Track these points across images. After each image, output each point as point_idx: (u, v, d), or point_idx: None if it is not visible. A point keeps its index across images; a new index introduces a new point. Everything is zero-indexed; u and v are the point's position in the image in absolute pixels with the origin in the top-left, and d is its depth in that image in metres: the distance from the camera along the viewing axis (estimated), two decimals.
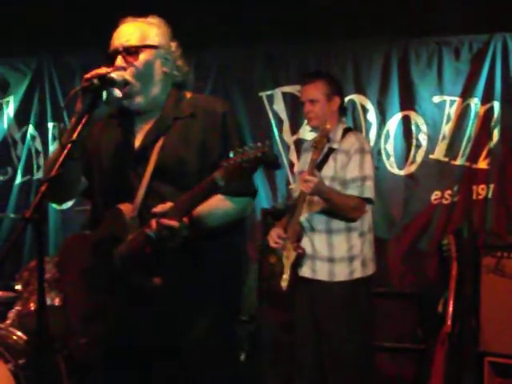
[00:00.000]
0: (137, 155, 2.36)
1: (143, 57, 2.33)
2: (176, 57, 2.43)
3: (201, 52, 5.07)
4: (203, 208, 2.22)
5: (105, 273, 2.27)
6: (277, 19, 4.97)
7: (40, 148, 5.66)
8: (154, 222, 2.14)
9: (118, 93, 2.26)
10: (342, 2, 4.85)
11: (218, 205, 2.28)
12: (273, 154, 2.01)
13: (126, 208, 2.27)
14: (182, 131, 2.35)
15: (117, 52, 2.33)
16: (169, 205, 2.16)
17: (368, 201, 3.53)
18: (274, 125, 5.23)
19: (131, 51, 2.32)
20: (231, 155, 2.05)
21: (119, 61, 2.31)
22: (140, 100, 2.35)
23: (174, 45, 2.44)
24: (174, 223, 2.12)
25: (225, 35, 5.03)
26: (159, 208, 2.17)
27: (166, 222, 2.12)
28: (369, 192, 3.50)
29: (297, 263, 3.53)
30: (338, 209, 3.47)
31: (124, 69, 2.30)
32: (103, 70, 2.22)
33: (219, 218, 2.31)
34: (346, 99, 4.84)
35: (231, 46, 5.17)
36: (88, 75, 2.21)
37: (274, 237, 3.57)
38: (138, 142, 2.38)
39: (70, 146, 2.08)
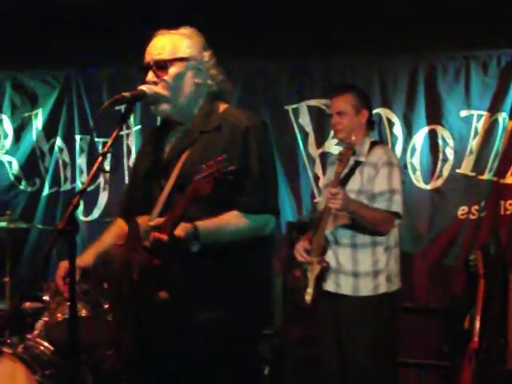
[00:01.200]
0: (161, 167, 2.41)
1: (173, 70, 2.37)
2: (209, 66, 2.44)
3: (227, 65, 5.10)
4: (211, 222, 2.24)
5: (127, 284, 2.31)
6: (302, 33, 5.02)
7: (67, 160, 5.75)
8: (151, 235, 2.17)
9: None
10: (367, 17, 4.88)
11: (229, 220, 2.29)
12: (227, 170, 2.04)
13: (142, 220, 2.30)
14: (205, 144, 2.36)
15: (148, 66, 2.38)
16: (164, 218, 2.18)
17: (396, 215, 3.51)
18: (299, 138, 5.26)
19: (161, 65, 2.36)
20: (202, 168, 2.10)
21: (150, 76, 2.37)
22: (166, 107, 2.39)
23: (207, 54, 2.44)
24: (162, 236, 2.12)
25: (251, 49, 5.08)
26: (155, 221, 2.21)
27: (155, 235, 2.14)
28: (397, 206, 3.47)
29: (321, 277, 3.52)
30: (366, 223, 3.45)
31: (155, 83, 2.36)
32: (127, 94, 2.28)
33: (229, 234, 2.29)
34: (373, 113, 4.85)
35: (257, 60, 5.22)
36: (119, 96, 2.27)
37: (300, 250, 3.57)
38: (165, 155, 2.44)
39: (100, 158, 2.13)
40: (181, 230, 2.16)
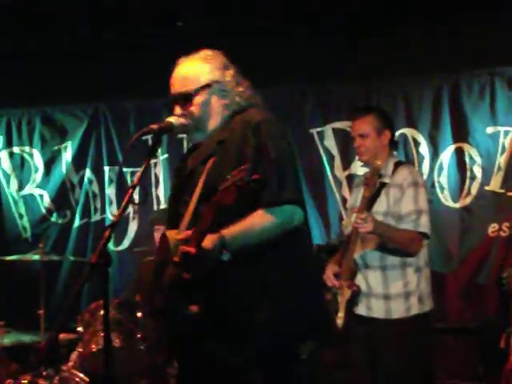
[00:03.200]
0: (184, 182, 2.44)
1: (198, 100, 2.39)
2: (234, 85, 2.42)
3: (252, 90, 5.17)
4: (236, 228, 2.20)
5: (160, 298, 2.33)
6: (327, 57, 5.07)
7: (97, 191, 5.84)
8: (179, 249, 2.16)
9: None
10: (392, 39, 4.93)
11: (253, 221, 2.23)
12: (250, 179, 2.01)
13: (171, 234, 2.29)
14: (224, 151, 2.35)
15: (174, 99, 2.42)
16: (191, 231, 2.16)
17: (424, 235, 3.48)
18: (325, 161, 5.28)
19: (186, 97, 2.39)
20: (226, 178, 2.06)
21: (177, 110, 2.40)
22: (198, 136, 2.43)
23: (229, 74, 2.44)
24: (189, 249, 2.10)
25: (276, 73, 5.12)
26: (183, 234, 2.19)
27: (183, 248, 2.12)
28: (424, 226, 3.46)
29: (352, 301, 3.50)
30: (395, 244, 3.44)
31: (183, 115, 2.39)
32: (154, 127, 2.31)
33: (257, 235, 2.23)
34: (397, 133, 4.84)
35: (282, 84, 5.26)
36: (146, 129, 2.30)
37: (330, 276, 3.55)
38: (187, 169, 2.47)
39: (130, 191, 2.16)
40: (208, 241, 2.13)
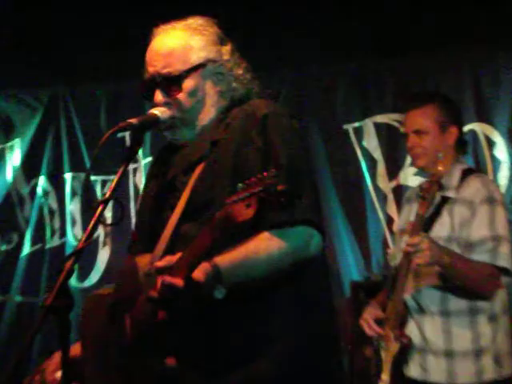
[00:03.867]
0: (165, 192, 2.44)
1: (188, 84, 2.40)
2: (232, 65, 2.45)
3: (264, 76, 5.18)
4: (234, 255, 2.19)
5: (115, 350, 2.31)
6: (366, 31, 5.08)
7: (54, 206, 5.84)
8: (158, 280, 2.14)
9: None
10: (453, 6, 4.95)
11: (256, 248, 2.22)
12: (274, 188, 2.00)
13: (143, 260, 2.32)
14: (219, 156, 2.37)
15: (153, 82, 2.41)
16: (177, 256, 2.15)
17: (504, 271, 3.45)
18: (364, 167, 5.29)
19: (172, 81, 2.39)
20: (239, 186, 2.06)
21: (159, 97, 2.40)
22: (186, 133, 2.44)
23: (226, 50, 2.47)
24: (176, 281, 2.08)
25: (296, 52, 5.15)
26: (164, 261, 2.18)
27: (167, 279, 2.10)
28: (504, 258, 3.44)
29: (401, 358, 3.50)
30: (461, 281, 3.42)
31: (167, 104, 2.39)
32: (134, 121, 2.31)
33: (261, 266, 2.24)
34: (465, 129, 4.83)
35: (305, 65, 5.29)
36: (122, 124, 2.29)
37: (370, 321, 3.56)
38: (169, 176, 2.47)
39: (101, 207, 2.15)
40: (199, 271, 2.11)
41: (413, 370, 3.52)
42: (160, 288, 2.12)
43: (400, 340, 3.49)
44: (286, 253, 2.24)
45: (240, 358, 2.25)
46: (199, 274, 2.11)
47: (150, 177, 2.63)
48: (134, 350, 2.24)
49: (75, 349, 2.49)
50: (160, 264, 2.17)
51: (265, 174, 2.02)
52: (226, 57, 2.45)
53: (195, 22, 2.47)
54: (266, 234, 2.22)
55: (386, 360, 3.49)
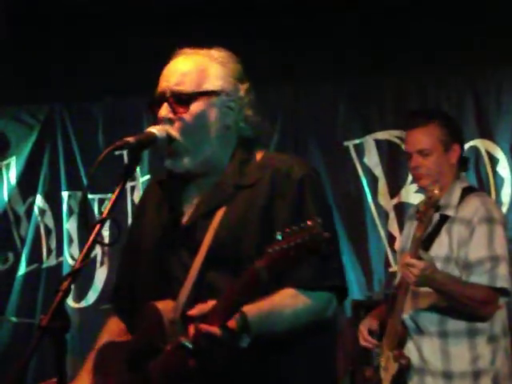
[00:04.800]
0: (182, 235, 2.40)
1: (197, 107, 2.37)
2: (244, 104, 2.44)
3: (263, 90, 5.17)
4: (262, 306, 2.24)
5: None
6: (366, 46, 5.07)
7: (51, 225, 5.82)
8: (191, 328, 2.16)
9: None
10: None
11: (284, 303, 2.30)
12: (320, 236, 2.04)
13: (165, 307, 2.29)
14: (245, 204, 2.37)
15: (163, 97, 2.38)
16: (210, 304, 2.18)
17: (502, 292, 3.46)
18: (365, 184, 5.27)
19: (181, 99, 2.37)
20: (279, 237, 2.08)
21: (164, 111, 2.36)
22: (187, 162, 2.38)
23: (243, 88, 2.45)
24: (213, 330, 2.12)
25: (295, 67, 5.14)
26: (197, 309, 2.19)
27: (204, 328, 2.13)
28: (503, 279, 3.44)
29: (399, 379, 3.49)
30: (458, 304, 3.42)
31: (170, 121, 2.36)
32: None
33: (285, 320, 2.30)
34: (467, 146, 4.82)
35: (305, 80, 5.26)
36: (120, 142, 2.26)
37: (364, 332, 3.59)
38: (185, 218, 2.43)
39: (98, 226, 2.12)
40: (232, 320, 2.17)
41: None
42: (196, 336, 2.14)
43: (399, 361, 3.48)
44: (308, 312, 2.33)
45: None
46: (233, 323, 2.16)
47: (141, 218, 2.59)
48: None
49: None
50: (193, 312, 2.19)
51: (309, 222, 2.05)
52: (241, 93, 2.43)
53: (218, 53, 2.46)
54: (291, 291, 2.30)
55: (385, 380, 3.50)
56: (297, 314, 2.31)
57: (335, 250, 2.41)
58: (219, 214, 2.37)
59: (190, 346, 2.16)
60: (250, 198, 2.38)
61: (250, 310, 2.20)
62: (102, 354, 2.52)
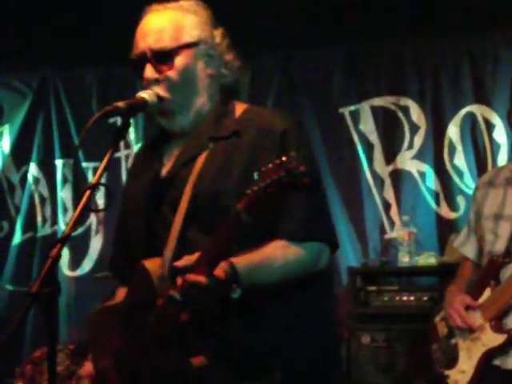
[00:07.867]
0: (163, 189, 2.40)
1: (180, 61, 2.37)
2: (223, 50, 2.45)
3: (258, 56, 5.16)
4: (252, 257, 2.25)
5: (134, 360, 2.29)
6: (365, 7, 5.03)
7: (46, 194, 5.82)
8: (179, 280, 2.17)
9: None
10: None
11: (274, 252, 2.30)
12: (296, 170, 2.03)
13: (152, 265, 2.29)
14: (223, 156, 2.37)
15: (144, 58, 2.37)
16: (197, 255, 2.18)
17: None
18: (360, 151, 5.25)
19: (163, 57, 2.36)
20: (255, 177, 2.08)
21: (149, 71, 2.36)
22: (181, 119, 2.40)
23: (218, 33, 2.46)
24: (200, 278, 2.13)
25: (289, 32, 5.09)
26: (183, 261, 2.20)
27: (190, 277, 2.14)
28: None
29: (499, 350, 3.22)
30: None
31: (157, 81, 2.35)
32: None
33: (276, 271, 2.30)
34: (463, 111, 4.83)
35: (299, 47, 5.24)
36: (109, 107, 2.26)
37: (462, 311, 3.28)
38: (165, 170, 2.43)
39: (88, 192, 2.12)
40: (219, 269, 2.16)
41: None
42: (183, 287, 2.15)
43: (506, 332, 3.20)
44: (300, 263, 2.33)
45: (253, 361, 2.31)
46: (219, 271, 2.16)
47: (133, 178, 2.60)
48: (155, 356, 2.23)
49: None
50: (179, 264, 2.19)
51: (283, 158, 2.04)
52: (217, 40, 2.44)
53: (188, 3, 2.44)
54: (282, 243, 2.30)
55: (470, 350, 3.29)
56: (288, 264, 2.31)
57: (323, 204, 2.46)
58: (197, 167, 2.36)
59: (179, 297, 2.16)
60: (228, 150, 2.37)
61: (240, 260, 2.20)
62: (94, 323, 2.53)
